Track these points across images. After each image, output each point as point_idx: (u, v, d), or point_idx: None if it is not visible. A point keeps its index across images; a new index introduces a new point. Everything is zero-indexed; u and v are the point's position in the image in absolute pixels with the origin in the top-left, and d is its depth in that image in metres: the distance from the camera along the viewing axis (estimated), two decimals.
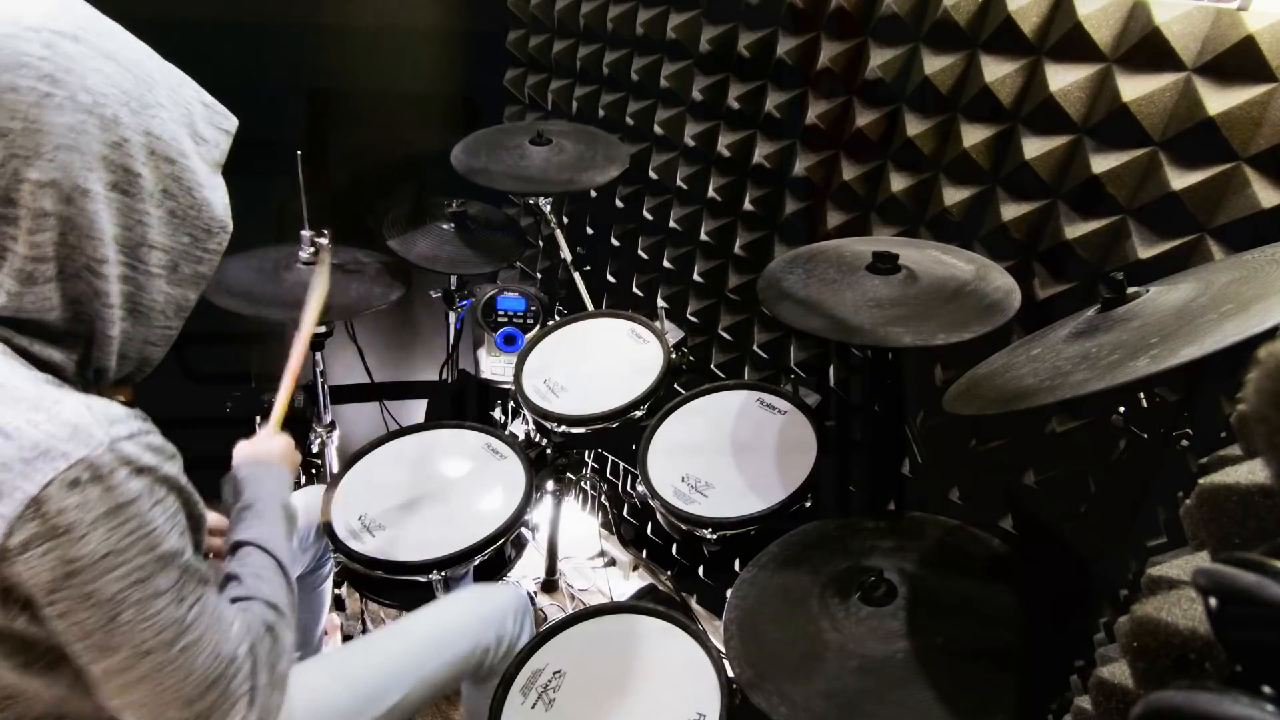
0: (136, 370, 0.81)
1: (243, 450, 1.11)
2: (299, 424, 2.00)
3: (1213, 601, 0.40)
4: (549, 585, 2.12)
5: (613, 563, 2.24)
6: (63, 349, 0.73)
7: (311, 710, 1.06)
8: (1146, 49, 1.16)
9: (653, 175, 2.03)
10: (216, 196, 0.81)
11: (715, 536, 1.40)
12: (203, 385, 2.05)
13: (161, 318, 0.79)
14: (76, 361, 0.74)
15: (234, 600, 0.85)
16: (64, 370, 0.74)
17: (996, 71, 1.34)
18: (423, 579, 1.38)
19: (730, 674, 1.16)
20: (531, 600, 1.50)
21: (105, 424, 0.67)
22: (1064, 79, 1.25)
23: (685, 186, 1.96)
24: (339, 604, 1.93)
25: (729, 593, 1.25)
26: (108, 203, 0.71)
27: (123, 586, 0.67)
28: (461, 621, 1.25)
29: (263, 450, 1.12)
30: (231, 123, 0.84)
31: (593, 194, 2.20)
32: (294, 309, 1.69)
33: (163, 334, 0.81)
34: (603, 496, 2.24)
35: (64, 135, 0.66)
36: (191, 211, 0.78)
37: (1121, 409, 0.99)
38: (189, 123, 0.78)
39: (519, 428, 2.18)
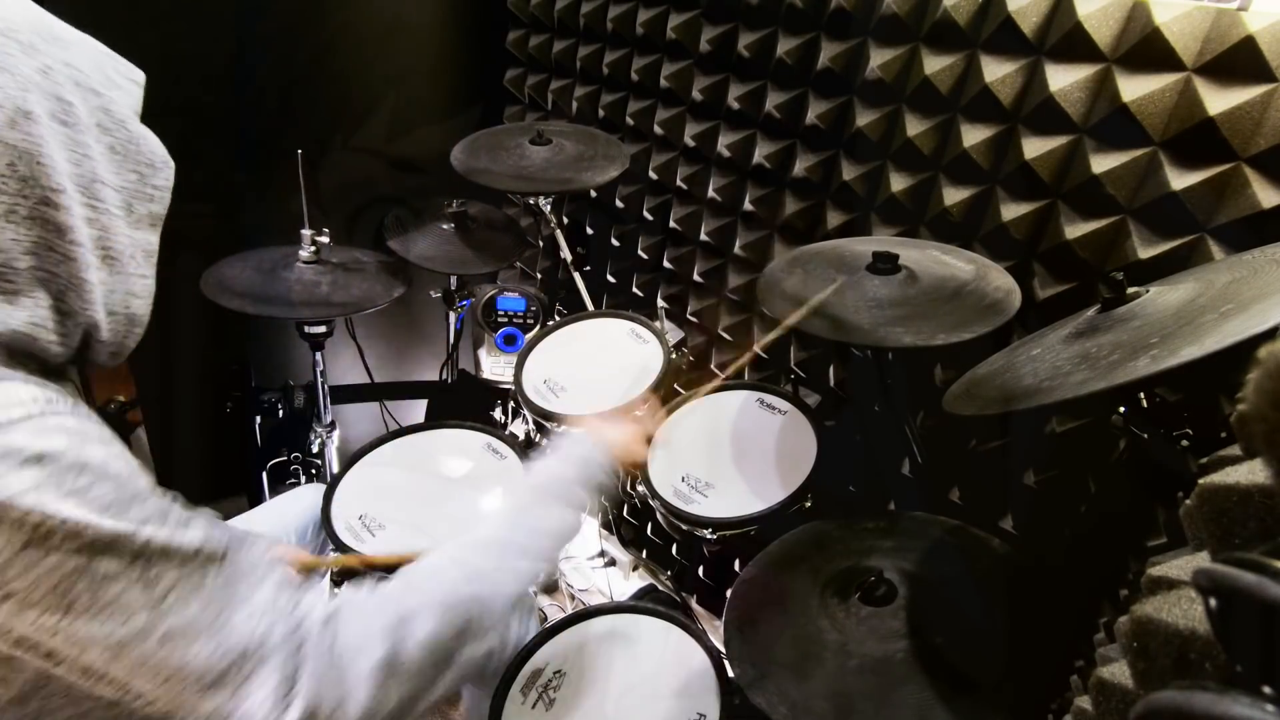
0: (127, 332, 0.79)
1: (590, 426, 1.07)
2: (300, 424, 2.00)
3: (1213, 601, 0.40)
4: (549, 585, 2.12)
5: (613, 563, 2.24)
6: (20, 303, 0.68)
7: None
8: (1146, 49, 1.16)
9: (653, 175, 2.03)
10: (149, 134, 0.79)
11: (715, 536, 1.40)
12: (202, 385, 2.05)
13: (133, 264, 0.77)
14: (51, 324, 0.70)
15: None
16: (36, 338, 0.69)
17: (996, 71, 1.34)
18: None
19: (730, 674, 1.17)
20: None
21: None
22: (1064, 79, 1.25)
23: (685, 186, 1.96)
24: None
25: (729, 593, 1.25)
26: (51, 132, 0.68)
27: (56, 581, 0.60)
28: (488, 644, 1.23)
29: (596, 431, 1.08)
30: (139, 75, 0.81)
31: (593, 194, 2.20)
32: (293, 308, 1.70)
33: (141, 282, 0.78)
34: (603, 497, 2.24)
35: None
36: (130, 146, 0.76)
37: (1121, 409, 0.99)
38: (100, 68, 0.76)
39: (519, 428, 2.18)
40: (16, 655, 0.63)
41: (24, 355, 0.69)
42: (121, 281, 0.76)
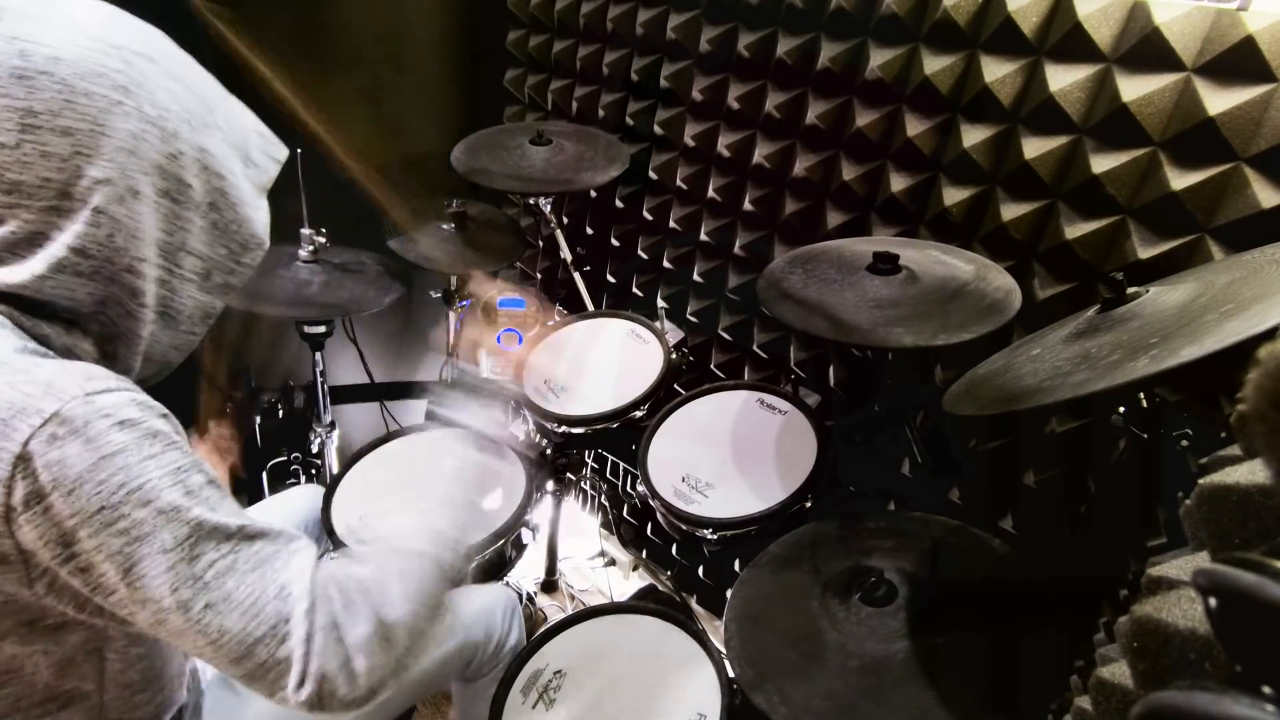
0: (155, 374, 0.83)
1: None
2: (299, 424, 2.00)
3: (1213, 601, 0.40)
4: (549, 585, 2.12)
5: (613, 563, 2.24)
6: (74, 334, 0.74)
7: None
8: (1146, 49, 1.16)
9: (653, 175, 2.03)
10: (259, 215, 0.85)
11: (715, 536, 1.40)
12: (203, 385, 2.04)
13: (188, 323, 0.82)
14: (95, 358, 0.75)
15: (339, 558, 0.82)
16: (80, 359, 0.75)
17: (996, 71, 1.34)
18: None
19: (730, 674, 1.17)
20: (531, 600, 1.50)
21: (81, 380, 0.68)
22: (1064, 79, 1.25)
23: (685, 186, 1.96)
24: None
25: (729, 593, 1.25)
26: (155, 207, 0.74)
27: (125, 542, 0.67)
28: (449, 620, 1.25)
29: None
30: (282, 152, 0.89)
31: (593, 194, 2.20)
32: (293, 307, 1.70)
33: (186, 339, 0.83)
34: (603, 496, 2.24)
35: (126, 140, 0.71)
36: (233, 226, 0.82)
37: (1121, 409, 0.99)
38: (242, 147, 0.83)
39: (519, 428, 2.18)
40: (71, 616, 0.71)
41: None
42: (171, 336, 0.81)
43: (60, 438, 0.65)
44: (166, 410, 0.73)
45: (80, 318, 0.74)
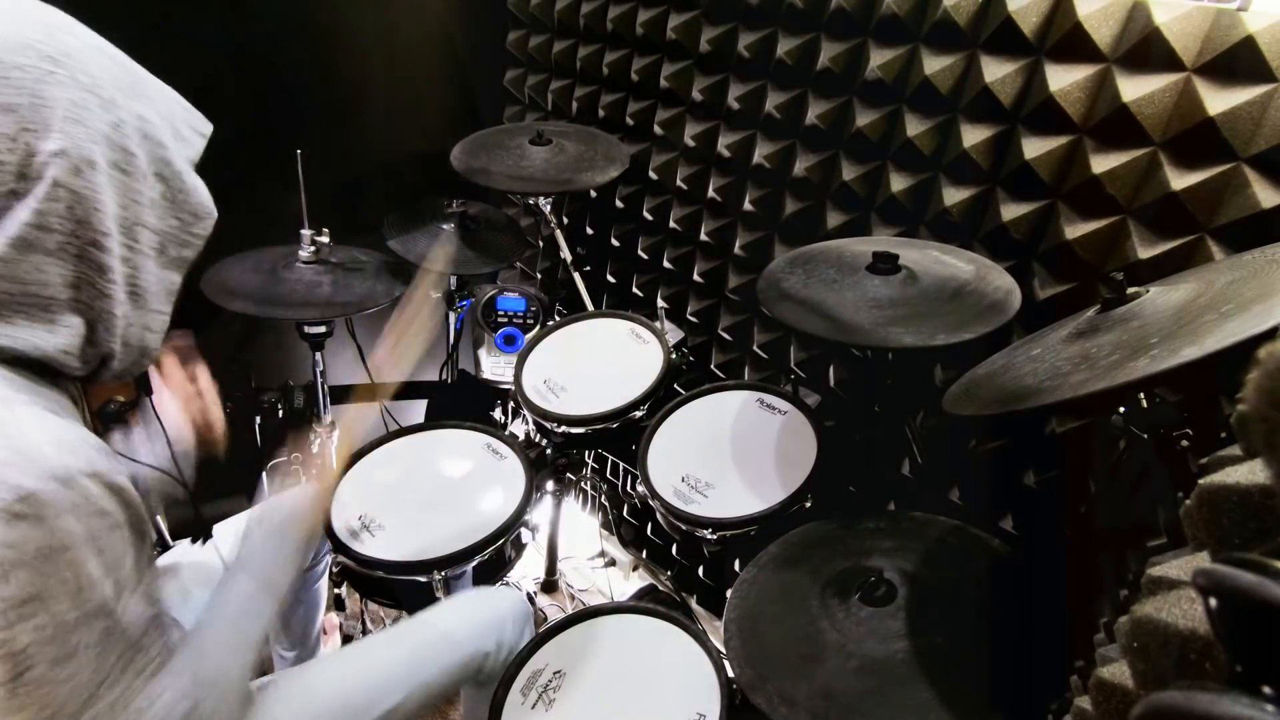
0: (136, 361, 0.82)
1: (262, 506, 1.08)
2: (299, 424, 2.00)
3: (1213, 601, 0.40)
4: (549, 585, 2.12)
5: (613, 563, 2.24)
6: (57, 330, 0.73)
7: (307, 714, 1.06)
8: (1146, 49, 1.16)
9: (653, 175, 2.03)
10: (201, 186, 0.85)
11: (715, 536, 1.40)
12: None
13: (155, 300, 0.82)
14: (79, 350, 0.75)
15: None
16: (62, 363, 0.73)
17: (996, 71, 1.34)
18: (423, 579, 1.38)
19: (730, 674, 1.17)
20: (531, 600, 1.49)
21: (61, 455, 0.65)
22: (1064, 79, 1.25)
23: (685, 186, 1.96)
24: (339, 604, 1.93)
25: (729, 593, 1.25)
26: (110, 179, 0.73)
27: (38, 638, 0.64)
28: (461, 627, 1.25)
29: (284, 501, 1.07)
30: (207, 127, 0.88)
31: (593, 194, 2.20)
32: (294, 308, 1.70)
33: (157, 318, 0.83)
34: (603, 496, 2.24)
35: (69, 109, 0.70)
36: (180, 195, 0.82)
37: (1121, 409, 0.99)
38: (170, 119, 0.82)
39: (519, 428, 2.18)
40: None
41: (50, 372, 0.74)
42: (141, 316, 0.80)
43: (20, 517, 0.61)
44: (134, 495, 0.72)
45: (59, 309, 0.73)
